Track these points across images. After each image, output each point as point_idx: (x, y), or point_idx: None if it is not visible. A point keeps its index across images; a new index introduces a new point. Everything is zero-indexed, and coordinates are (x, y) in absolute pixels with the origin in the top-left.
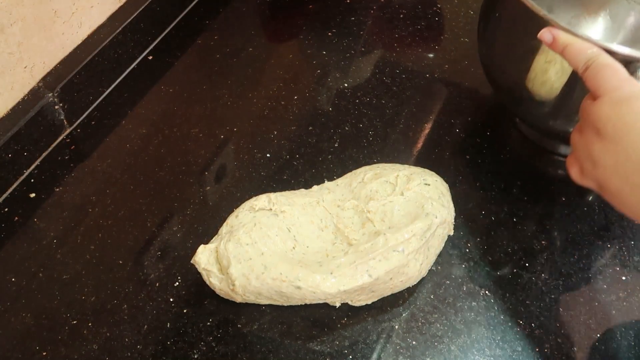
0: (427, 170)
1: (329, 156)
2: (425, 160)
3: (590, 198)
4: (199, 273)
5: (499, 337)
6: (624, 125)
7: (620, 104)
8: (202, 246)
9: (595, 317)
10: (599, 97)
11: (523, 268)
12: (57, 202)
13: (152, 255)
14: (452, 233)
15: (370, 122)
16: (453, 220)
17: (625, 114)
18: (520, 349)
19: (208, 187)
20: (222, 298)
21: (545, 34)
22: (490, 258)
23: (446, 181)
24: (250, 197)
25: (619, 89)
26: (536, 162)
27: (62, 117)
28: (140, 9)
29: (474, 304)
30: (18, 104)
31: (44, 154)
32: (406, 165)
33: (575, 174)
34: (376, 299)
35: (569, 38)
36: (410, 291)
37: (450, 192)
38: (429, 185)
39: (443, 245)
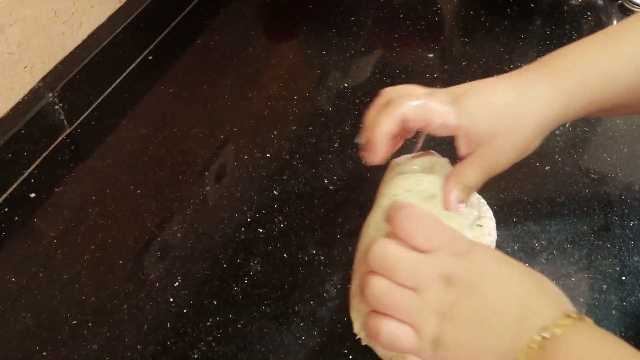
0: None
1: (329, 156)
2: None
3: (590, 198)
4: (198, 273)
5: None
6: (477, 274)
7: (463, 256)
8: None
9: (595, 317)
10: (431, 251)
11: None
12: (57, 202)
13: (152, 255)
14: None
15: None
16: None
17: (476, 263)
18: None
19: (208, 187)
20: (223, 298)
21: None
22: None
23: None
24: (250, 197)
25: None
26: (536, 161)
27: (62, 117)
28: (140, 9)
29: None
30: (18, 104)
31: (44, 154)
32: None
33: (408, 340)
34: None
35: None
36: None
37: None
38: (480, 226)
39: None
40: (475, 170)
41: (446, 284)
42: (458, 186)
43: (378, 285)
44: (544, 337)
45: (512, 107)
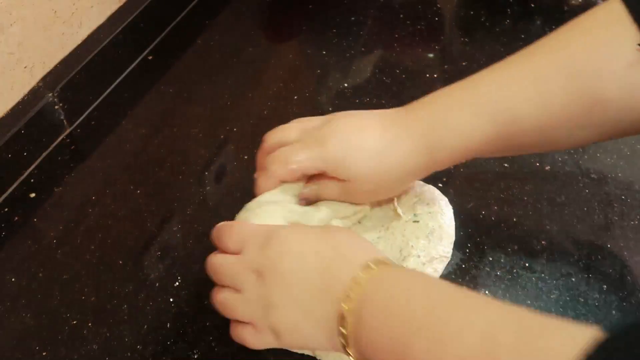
0: (427, 193)
1: None
2: None
3: (590, 198)
4: (198, 273)
5: None
6: (277, 259)
7: (264, 246)
8: None
9: (595, 317)
10: (240, 253)
11: (523, 268)
12: (57, 202)
13: (152, 255)
14: (449, 257)
15: None
16: (450, 249)
17: (275, 249)
18: None
19: (208, 187)
20: None
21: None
22: (490, 258)
23: (446, 182)
24: (250, 197)
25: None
26: (536, 161)
27: (62, 117)
28: (140, 9)
29: None
30: (18, 104)
31: (44, 154)
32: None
33: (251, 337)
34: None
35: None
36: None
37: (452, 196)
38: (417, 222)
39: (442, 269)
40: (334, 192)
41: (258, 276)
42: (313, 187)
43: (215, 295)
44: (348, 296)
45: (376, 159)
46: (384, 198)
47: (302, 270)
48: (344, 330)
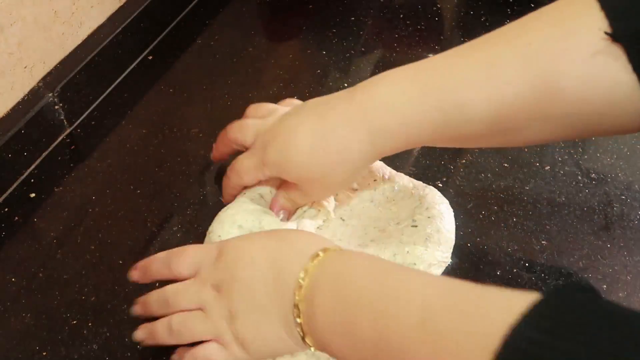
0: (428, 196)
1: None
2: (424, 161)
3: (590, 198)
4: None
5: None
6: (231, 268)
7: (217, 260)
8: None
9: None
10: (197, 273)
11: (523, 268)
12: (57, 202)
13: (152, 255)
14: (447, 262)
15: None
16: (448, 254)
17: (226, 259)
18: None
19: (208, 187)
20: None
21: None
22: (490, 258)
23: (446, 182)
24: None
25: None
26: (536, 161)
27: (62, 117)
28: (140, 9)
29: None
30: (18, 104)
31: (44, 154)
32: (402, 185)
33: (218, 354)
34: None
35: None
36: None
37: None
38: (415, 227)
39: (440, 273)
40: (296, 194)
41: (217, 290)
42: (283, 195)
43: (169, 322)
44: (299, 286)
45: (309, 154)
46: (341, 190)
47: (257, 273)
48: (299, 320)
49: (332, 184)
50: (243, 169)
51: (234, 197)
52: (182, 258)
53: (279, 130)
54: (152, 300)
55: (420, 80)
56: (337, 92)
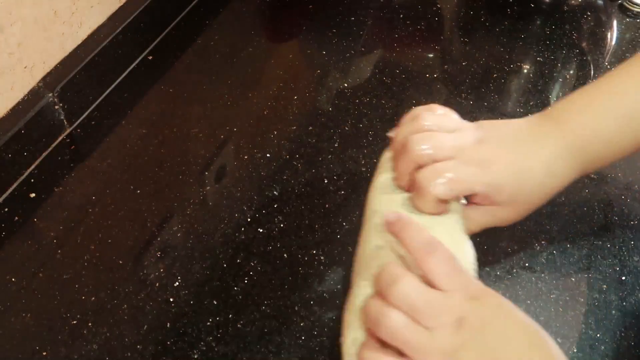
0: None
1: (329, 156)
2: None
3: (590, 198)
4: (198, 273)
5: None
6: (486, 321)
7: (475, 300)
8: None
9: (595, 317)
10: (447, 291)
11: (523, 268)
12: (57, 202)
13: (152, 255)
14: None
15: (370, 122)
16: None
17: (486, 309)
18: None
19: (208, 187)
20: (223, 298)
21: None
22: (490, 258)
23: None
24: (250, 197)
25: (469, 286)
26: None
27: (62, 117)
28: (140, 9)
29: None
30: (18, 104)
31: (44, 154)
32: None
33: None
34: None
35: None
36: None
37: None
38: None
39: None
40: (481, 220)
41: (457, 326)
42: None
43: (395, 321)
44: None
45: (537, 184)
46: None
47: (505, 345)
48: None
49: (526, 212)
50: (456, 178)
51: (425, 210)
52: (447, 268)
53: (503, 150)
54: (397, 287)
55: (613, 101)
56: (529, 118)
